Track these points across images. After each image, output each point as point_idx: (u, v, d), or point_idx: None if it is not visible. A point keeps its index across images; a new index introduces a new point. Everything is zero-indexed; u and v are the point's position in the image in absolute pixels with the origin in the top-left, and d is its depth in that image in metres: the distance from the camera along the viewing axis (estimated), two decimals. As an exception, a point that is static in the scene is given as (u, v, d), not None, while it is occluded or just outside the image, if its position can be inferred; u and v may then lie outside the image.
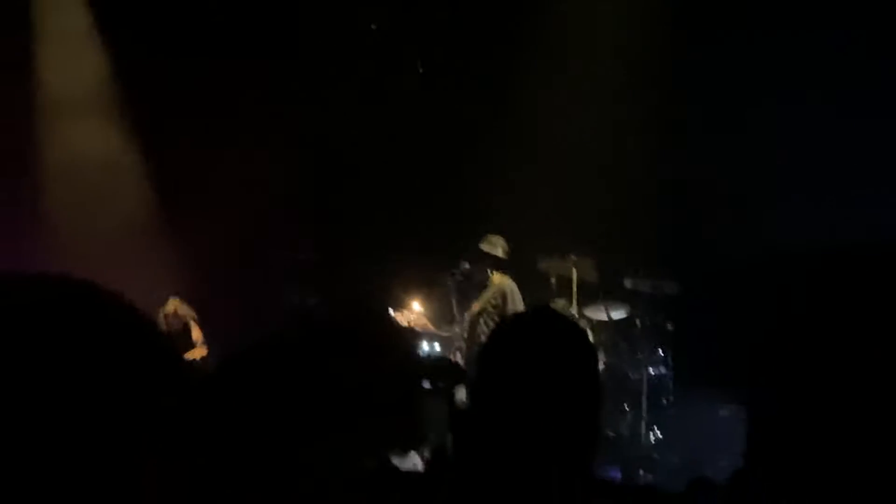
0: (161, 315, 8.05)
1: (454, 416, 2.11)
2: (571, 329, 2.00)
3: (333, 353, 1.62)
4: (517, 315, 2.26)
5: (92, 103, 9.54)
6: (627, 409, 8.45)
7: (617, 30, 8.88)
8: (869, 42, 7.94)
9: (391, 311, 8.33)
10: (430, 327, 8.33)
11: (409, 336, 7.16)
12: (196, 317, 8.22)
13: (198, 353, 7.97)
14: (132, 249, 9.15)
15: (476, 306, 7.80)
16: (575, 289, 8.41)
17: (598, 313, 8.62)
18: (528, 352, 1.92)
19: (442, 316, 8.36)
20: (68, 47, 9.35)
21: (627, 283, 8.65)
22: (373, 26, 9.57)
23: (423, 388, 2.06)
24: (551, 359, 1.90)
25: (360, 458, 1.61)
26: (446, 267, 8.01)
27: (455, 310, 8.05)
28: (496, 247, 7.82)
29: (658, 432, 8.41)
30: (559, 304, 8.38)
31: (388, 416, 1.70)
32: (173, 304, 8.13)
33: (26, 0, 9.15)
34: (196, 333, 8.16)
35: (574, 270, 8.45)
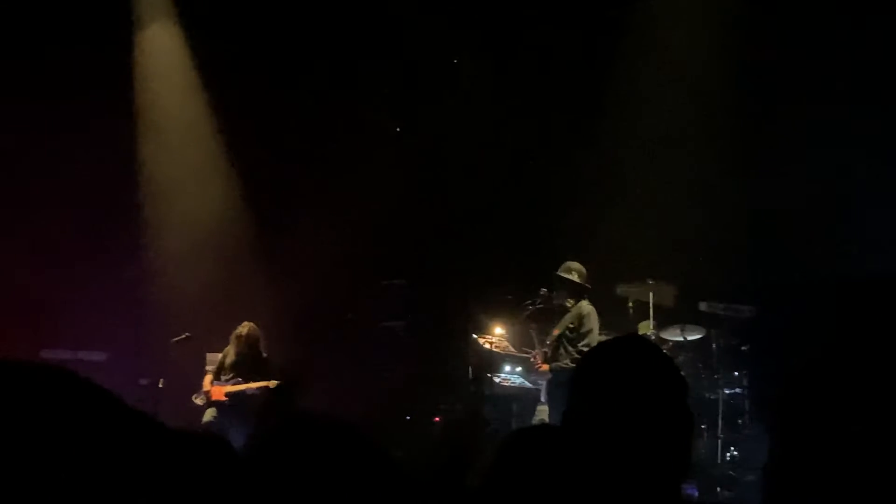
0: (233, 336, 8.62)
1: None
2: (662, 357, 2.03)
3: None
4: (609, 342, 2.29)
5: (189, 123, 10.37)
6: (703, 428, 8.52)
7: (702, 60, 9.01)
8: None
9: (474, 335, 8.76)
10: (512, 350, 8.69)
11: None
12: (265, 343, 8.67)
13: (272, 382, 8.37)
14: (236, 273, 9.96)
15: (556, 331, 8.09)
16: (652, 312, 8.61)
17: (674, 335, 8.84)
18: (621, 378, 1.94)
19: (523, 340, 8.68)
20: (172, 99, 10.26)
21: (703, 307, 8.83)
22: (454, 61, 9.96)
23: None
24: (644, 385, 1.92)
25: None
26: (529, 293, 8.34)
27: (534, 335, 8.37)
28: (573, 273, 8.05)
29: (734, 451, 8.46)
30: (646, 325, 8.59)
31: None
32: (246, 327, 8.65)
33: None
34: (265, 357, 8.63)
35: (651, 294, 8.67)
